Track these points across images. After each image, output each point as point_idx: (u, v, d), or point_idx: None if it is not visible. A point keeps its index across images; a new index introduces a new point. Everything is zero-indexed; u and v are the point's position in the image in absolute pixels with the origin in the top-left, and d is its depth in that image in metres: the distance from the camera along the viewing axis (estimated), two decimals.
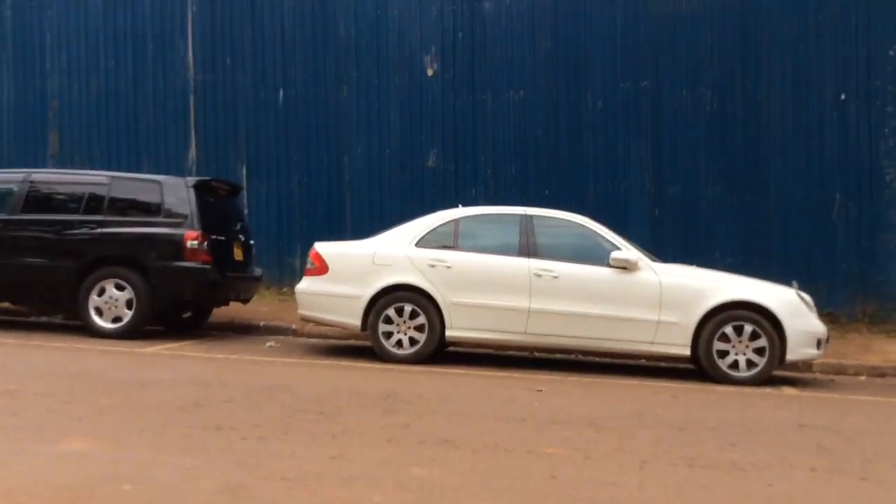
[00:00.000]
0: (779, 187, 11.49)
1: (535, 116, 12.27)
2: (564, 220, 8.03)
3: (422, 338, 7.75)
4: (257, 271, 10.02)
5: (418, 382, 6.64)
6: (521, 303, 7.63)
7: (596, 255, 7.84)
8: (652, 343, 7.50)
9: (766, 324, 7.31)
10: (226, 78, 12.87)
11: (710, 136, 11.78)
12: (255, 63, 12.82)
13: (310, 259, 8.16)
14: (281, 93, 12.79)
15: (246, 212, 12.51)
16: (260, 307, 10.98)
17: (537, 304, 7.61)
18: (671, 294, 7.47)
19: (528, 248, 7.82)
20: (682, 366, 8.21)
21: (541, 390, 6.48)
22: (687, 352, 7.45)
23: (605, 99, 12.06)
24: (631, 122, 11.99)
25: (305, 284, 8.11)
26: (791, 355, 7.32)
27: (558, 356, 8.65)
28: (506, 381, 7.03)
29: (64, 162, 13.00)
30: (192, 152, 12.99)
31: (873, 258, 11.17)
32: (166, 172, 10.30)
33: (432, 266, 7.79)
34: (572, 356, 8.55)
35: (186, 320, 9.88)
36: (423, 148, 12.52)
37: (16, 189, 8.87)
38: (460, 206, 8.49)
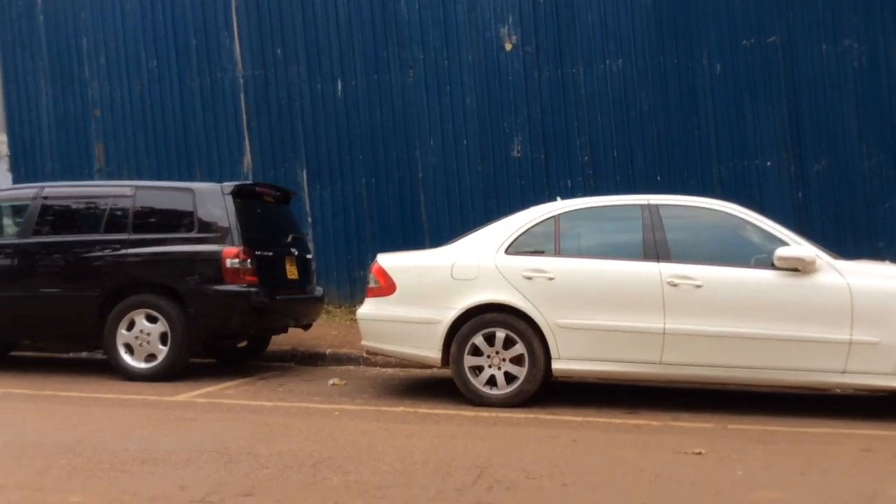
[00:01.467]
0: None
1: (638, 89, 10.28)
2: (704, 208, 6.05)
3: (521, 373, 5.91)
4: (318, 291, 8.37)
5: (521, 443, 4.80)
6: (653, 323, 5.71)
7: (752, 253, 5.86)
8: (843, 372, 5.44)
9: None
10: (278, 72, 11.34)
11: (860, 98, 9.53)
12: (308, 53, 11.25)
13: (372, 276, 6.43)
14: (339, 84, 11.18)
15: (310, 220, 10.96)
16: (328, 330, 9.37)
17: (675, 324, 5.67)
18: (867, 303, 5.40)
19: (656, 249, 5.88)
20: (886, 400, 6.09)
21: (700, 452, 4.55)
22: (895, 383, 5.36)
23: (725, 61, 9.97)
24: (759, 86, 9.85)
25: (368, 308, 6.38)
26: None
27: (696, 386, 6.66)
28: (641, 433, 5.11)
29: (112, 175, 11.75)
30: (248, 158, 11.51)
31: None
32: (220, 181, 8.80)
33: (529, 278, 5.95)
34: (715, 385, 6.53)
35: (242, 350, 8.34)
36: (506, 135, 10.68)
37: (28, 207, 7.48)
38: (559, 198, 6.61)
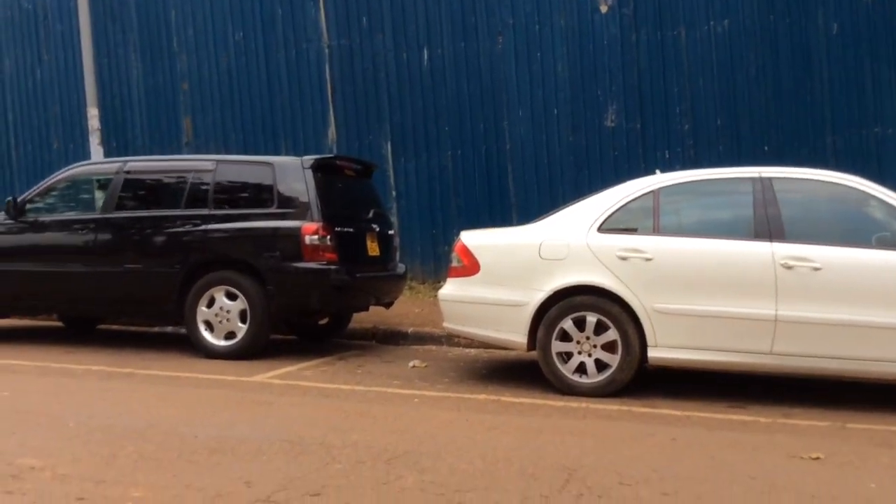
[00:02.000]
0: None
1: (745, 52, 9.50)
2: (823, 181, 5.41)
3: (614, 360, 5.47)
4: (400, 268, 8.09)
5: (614, 441, 4.37)
6: (763, 309, 5.15)
7: (877, 232, 5.22)
8: None
9: None
10: (363, 42, 11.04)
11: None
12: (394, 21, 10.89)
13: (454, 254, 6.08)
14: (426, 53, 10.80)
15: (394, 194, 10.70)
16: (411, 307, 9.12)
17: (789, 311, 5.10)
18: None
19: (768, 227, 5.29)
20: None
21: (818, 457, 4.02)
22: None
23: (843, 19, 9.08)
24: (882, 47, 8.96)
25: (450, 289, 6.04)
26: None
27: (808, 379, 6.04)
28: (749, 432, 4.61)
29: (199, 149, 11.76)
30: (332, 130, 11.31)
31: None
32: (304, 154, 8.57)
33: (624, 259, 5.47)
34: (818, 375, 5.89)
35: (323, 327, 8.17)
36: (600, 104, 10.10)
37: (111, 182, 7.44)
38: (658, 172, 6.08)
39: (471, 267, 5.89)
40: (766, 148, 9.32)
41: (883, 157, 8.90)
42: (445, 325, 6.11)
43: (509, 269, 5.77)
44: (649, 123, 9.87)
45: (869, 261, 5.03)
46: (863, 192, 5.28)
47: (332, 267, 6.80)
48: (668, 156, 9.70)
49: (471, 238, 6.06)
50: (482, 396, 5.44)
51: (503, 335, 5.76)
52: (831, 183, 5.38)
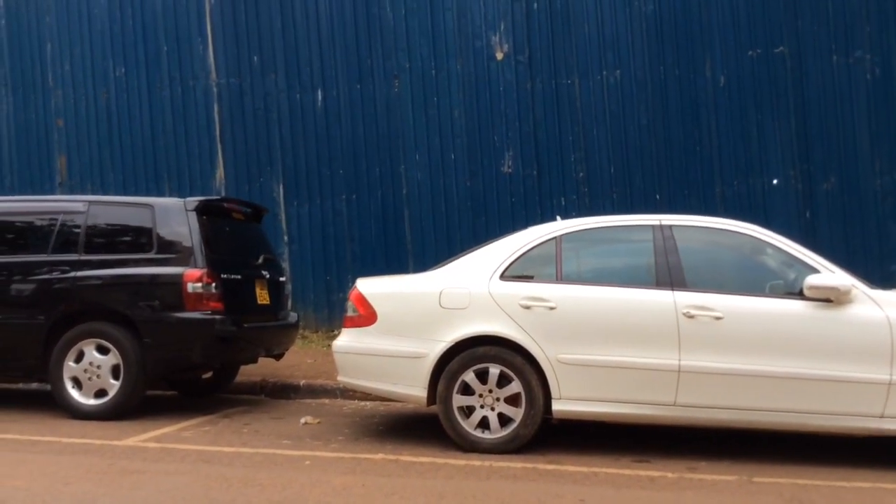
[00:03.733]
0: None
1: (637, 101, 9.69)
2: (723, 229, 5.40)
3: (517, 415, 5.22)
4: (292, 317, 7.64)
5: None
6: (667, 359, 5.04)
7: (777, 281, 5.22)
8: (881, 416, 4.79)
9: None
10: (254, 81, 10.66)
11: (873, 113, 8.98)
12: (287, 61, 10.59)
13: (350, 303, 5.73)
14: (320, 94, 10.53)
15: (286, 239, 10.26)
16: (304, 358, 8.67)
17: (692, 361, 5.01)
18: None
19: (669, 276, 5.22)
20: None
21: None
22: None
23: (730, 72, 9.40)
24: (766, 100, 9.29)
25: (345, 339, 5.67)
26: None
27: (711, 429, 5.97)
28: (657, 489, 4.43)
29: (74, 189, 11.01)
30: (220, 172, 10.81)
31: None
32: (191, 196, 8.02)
33: (527, 307, 5.27)
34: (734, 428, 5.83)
35: (207, 382, 7.59)
36: (497, 150, 10.05)
37: None
38: (559, 218, 5.95)
39: (367, 316, 5.56)
40: (657, 196, 9.48)
41: (769, 205, 9.18)
42: (340, 378, 5.73)
43: (408, 318, 5.47)
44: (545, 171, 9.89)
45: (770, 311, 5.01)
46: (763, 241, 5.28)
47: (217, 317, 6.32)
48: (563, 203, 9.72)
49: (367, 286, 5.73)
50: (379, 456, 5.07)
51: (402, 389, 5.43)
52: (732, 231, 5.37)
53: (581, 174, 9.80)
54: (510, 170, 9.99)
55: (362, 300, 5.62)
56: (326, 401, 7.18)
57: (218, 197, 7.34)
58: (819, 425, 4.94)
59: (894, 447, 5.23)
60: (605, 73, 9.76)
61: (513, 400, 5.24)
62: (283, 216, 10.43)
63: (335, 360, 5.68)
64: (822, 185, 9.08)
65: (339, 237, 10.33)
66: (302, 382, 7.45)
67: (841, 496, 4.30)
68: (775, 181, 9.15)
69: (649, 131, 9.64)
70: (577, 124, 9.82)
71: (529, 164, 9.94)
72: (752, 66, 9.29)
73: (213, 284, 6.35)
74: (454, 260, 5.77)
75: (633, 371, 5.09)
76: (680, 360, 5.03)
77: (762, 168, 9.25)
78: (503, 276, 5.45)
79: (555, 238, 5.54)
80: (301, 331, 9.84)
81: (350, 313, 5.69)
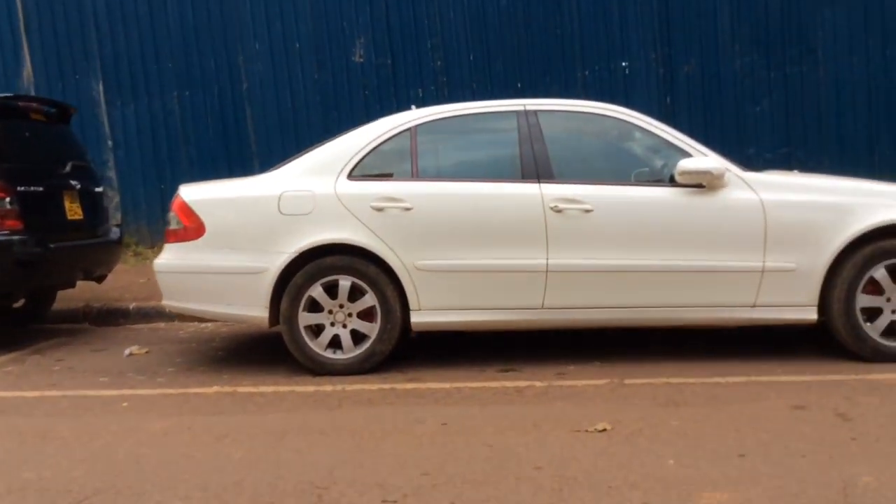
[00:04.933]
0: (829, 51, 8.54)
1: None
2: (591, 113, 4.88)
3: (373, 330, 4.66)
4: (114, 233, 6.69)
5: (377, 438, 3.56)
6: (534, 258, 4.57)
7: (648, 167, 4.81)
8: (753, 306, 4.54)
9: None
10: None
11: None
12: None
13: (172, 214, 4.90)
14: None
15: (110, 144, 9.08)
16: (136, 278, 7.76)
17: (561, 259, 4.56)
18: (783, 223, 4.48)
19: (535, 167, 4.69)
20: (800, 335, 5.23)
21: (604, 429, 3.49)
22: (812, 315, 4.51)
23: None
24: None
25: (169, 257, 4.86)
26: None
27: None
28: (525, 402, 4.02)
29: None
30: (27, 70, 9.36)
31: None
32: None
33: (380, 209, 4.64)
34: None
35: (18, 312, 6.59)
36: (347, 37, 9.15)
37: None
38: (414, 107, 5.26)
39: (194, 229, 4.76)
40: (518, 84, 8.93)
41: (630, 90, 8.83)
42: (165, 303, 4.94)
43: (242, 228, 4.72)
44: (400, 59, 9.10)
45: (642, 199, 4.60)
46: (632, 124, 4.80)
47: (16, 237, 5.36)
48: (421, 94, 9.01)
49: (192, 192, 4.90)
50: (214, 389, 4.40)
51: (239, 310, 4.72)
52: (600, 115, 4.86)
53: (439, 62, 9.08)
54: (362, 59, 9.13)
55: (186, 209, 4.80)
56: (161, 325, 6.38)
57: (9, 94, 6.16)
58: (692, 318, 4.65)
59: (766, 337, 5.05)
60: None
61: (367, 314, 4.66)
62: (104, 118, 9.19)
63: (158, 281, 4.87)
64: (682, 68, 8.79)
65: (172, 140, 9.23)
66: (132, 306, 6.58)
67: (716, 393, 4.03)
68: (624, 64, 8.77)
69: (509, 14, 8.99)
70: (432, 7, 9.02)
71: (383, 53, 9.12)
72: None
73: (8, 199, 5.36)
74: (295, 159, 5.01)
75: (499, 274, 4.60)
76: (548, 258, 4.57)
77: (623, 51, 8.84)
78: (352, 176, 4.77)
79: (409, 129, 4.88)
80: (134, 247, 8.85)
81: (173, 226, 4.87)
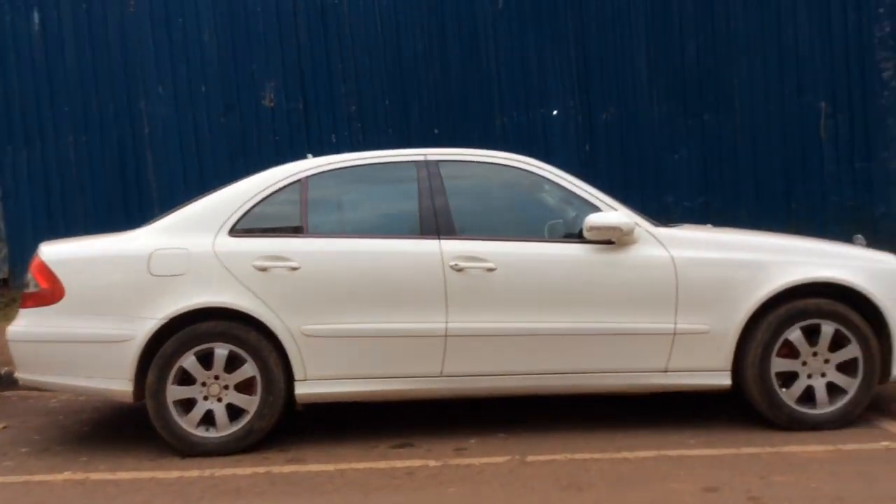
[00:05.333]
0: (746, 100, 8.48)
1: (412, 26, 8.72)
2: (495, 164, 4.57)
3: (251, 404, 4.19)
4: None
5: None
6: (432, 321, 4.20)
7: (556, 222, 4.51)
8: (665, 371, 4.23)
9: (857, 319, 4.18)
10: None
11: (651, 38, 8.59)
12: None
13: (30, 275, 4.38)
14: (36, 15, 8.65)
15: None
16: None
17: (462, 322, 4.20)
18: (694, 281, 4.21)
19: (436, 221, 4.35)
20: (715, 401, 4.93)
21: None
22: (726, 380, 4.23)
23: None
24: (546, 23, 8.64)
25: (23, 324, 4.32)
26: None
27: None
28: (416, 486, 3.60)
29: None
30: None
31: (870, 184, 8.39)
32: None
33: (263, 269, 4.22)
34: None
35: None
36: (256, 80, 8.75)
37: None
38: (310, 156, 4.87)
39: (51, 292, 4.25)
40: (436, 131, 8.63)
41: (549, 137, 8.62)
42: (18, 375, 4.38)
43: (106, 291, 4.23)
44: (313, 104, 8.73)
45: (548, 257, 4.28)
46: (539, 175, 4.51)
47: None
48: (335, 140, 8.64)
49: (52, 251, 4.40)
50: (63, 476, 3.85)
51: (99, 383, 4.19)
52: (505, 166, 4.55)
53: (353, 107, 8.74)
54: (272, 103, 8.73)
55: (44, 270, 4.29)
56: (35, 392, 5.75)
57: None
58: (601, 385, 4.32)
59: (676, 404, 4.75)
60: None
61: (246, 386, 4.20)
62: None
63: (11, 351, 4.32)
64: (601, 115, 8.63)
65: (66, 189, 8.62)
66: (2, 371, 5.95)
67: (623, 473, 3.67)
68: (555, 112, 8.60)
69: (426, 59, 8.72)
70: (346, 50, 8.70)
71: (294, 97, 8.73)
72: None
73: None
74: (172, 213, 4.56)
75: (394, 339, 4.21)
76: (447, 322, 4.20)
77: (543, 98, 8.65)
78: (234, 231, 4.35)
79: (300, 180, 4.50)
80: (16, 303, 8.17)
81: (31, 289, 4.34)
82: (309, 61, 8.72)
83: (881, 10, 8.19)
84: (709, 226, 5.09)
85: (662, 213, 8.31)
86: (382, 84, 8.73)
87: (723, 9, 8.40)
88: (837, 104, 8.35)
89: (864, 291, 4.16)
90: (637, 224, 4.29)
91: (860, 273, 4.21)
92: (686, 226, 4.83)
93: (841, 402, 4.18)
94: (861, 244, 4.84)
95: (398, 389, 4.27)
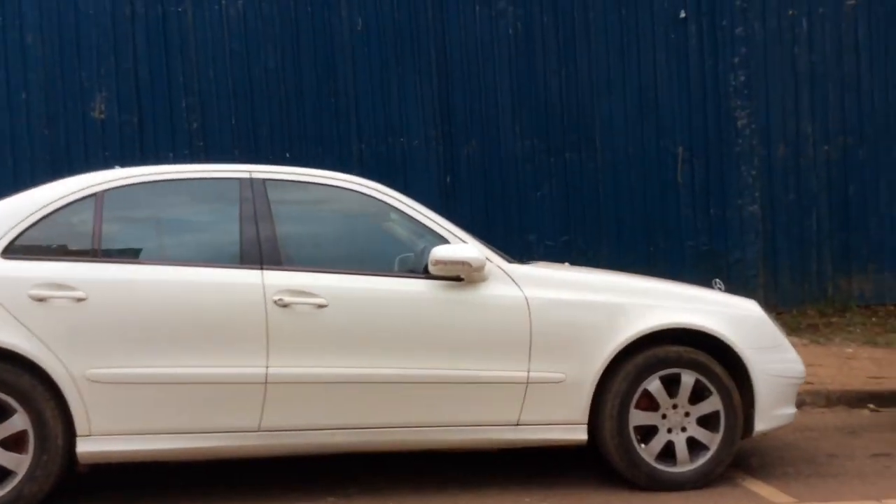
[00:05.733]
0: (607, 140, 8.38)
1: (264, 41, 8.13)
2: (332, 186, 4.01)
3: (21, 464, 3.40)
4: None
5: None
6: (250, 366, 3.56)
7: (397, 255, 3.99)
8: (517, 425, 3.76)
9: (718, 369, 3.87)
10: None
11: (515, 71, 8.36)
12: None
13: None
14: None
15: None
16: None
17: (285, 367, 3.58)
18: (549, 324, 3.78)
19: (259, 249, 3.72)
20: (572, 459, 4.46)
21: None
22: (583, 435, 3.81)
23: (368, 15, 8.19)
24: (407, 51, 8.26)
25: None
26: (762, 423, 3.93)
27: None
28: None
29: None
30: None
31: (725, 230, 8.43)
32: None
33: (41, 299, 3.47)
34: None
35: None
36: (85, 89, 7.89)
37: None
38: (118, 167, 4.15)
39: None
40: (287, 155, 7.99)
41: (409, 168, 8.18)
42: None
43: None
44: (149, 118, 7.92)
45: (388, 292, 3.75)
46: (382, 202, 3.98)
47: None
48: (173, 157, 7.82)
49: None
50: None
51: None
52: (343, 189, 4.01)
53: (195, 124, 7.99)
54: (102, 115, 7.85)
55: None
56: None
57: None
58: (446, 441, 3.81)
59: (528, 459, 4.27)
60: (224, 2, 8.01)
61: (16, 443, 3.41)
62: None
63: None
64: (463, 149, 8.29)
65: None
66: None
67: None
68: (415, 142, 8.18)
69: (278, 78, 8.12)
70: (188, 61, 7.96)
71: (128, 109, 7.89)
72: (393, 10, 8.16)
73: None
74: None
75: (203, 387, 3.55)
76: (268, 366, 3.58)
77: (403, 128, 8.21)
78: (8, 251, 3.57)
79: (94, 195, 3.78)
80: None
81: None
82: (146, 71, 7.93)
83: (736, 60, 8.32)
84: (566, 264, 4.72)
85: (525, 251, 8.01)
86: (229, 101, 8.05)
87: (585, 47, 8.30)
88: (695, 149, 8.37)
89: (726, 339, 3.86)
90: (489, 259, 3.83)
91: (722, 319, 3.92)
92: (543, 263, 4.46)
93: (702, 460, 3.84)
94: (720, 289, 4.60)
95: (206, 448, 3.58)
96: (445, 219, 4.03)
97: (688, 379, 3.84)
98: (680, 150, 8.38)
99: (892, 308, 8.36)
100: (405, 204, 3.95)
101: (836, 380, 6.15)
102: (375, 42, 8.16)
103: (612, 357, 3.78)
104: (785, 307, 8.18)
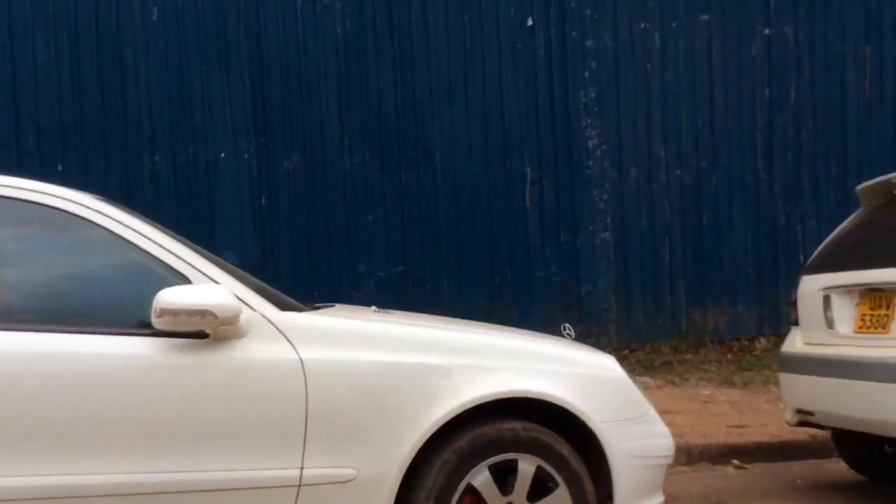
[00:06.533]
0: (448, 158, 7.46)
1: (32, 28, 6.65)
2: (17, 199, 2.71)
3: None
4: None
5: None
6: None
7: (121, 300, 2.74)
8: None
9: (566, 452, 2.86)
10: None
11: (343, 78, 7.29)
12: None
13: None
14: None
15: None
16: None
17: None
18: (334, 398, 2.65)
19: None
20: None
21: None
22: None
23: (165, 2, 6.88)
24: (213, 47, 7.01)
25: None
26: None
27: None
28: None
29: None
30: None
31: (576, 259, 7.67)
32: None
33: None
34: None
35: None
36: None
37: None
38: None
39: None
40: (60, 167, 6.54)
41: (215, 185, 6.93)
42: None
43: None
44: None
45: (84, 359, 2.51)
46: (97, 224, 2.71)
47: None
48: None
49: None
50: None
51: None
52: (36, 203, 2.72)
53: None
54: None
55: None
56: None
57: None
58: None
59: None
60: None
61: None
62: None
63: None
64: (282, 163, 7.10)
65: None
66: None
67: None
68: (223, 154, 6.92)
69: (49, 75, 6.68)
70: None
71: None
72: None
73: None
74: None
75: None
76: None
77: (208, 136, 6.94)
78: None
79: None
80: None
81: None
82: None
83: (587, 75, 7.62)
84: (373, 308, 3.57)
85: (354, 284, 6.97)
86: None
87: (423, 52, 7.36)
88: (543, 171, 7.60)
89: (577, 412, 2.86)
90: (248, 306, 2.66)
91: (573, 384, 2.92)
92: (338, 308, 3.33)
93: None
94: (569, 335, 3.66)
95: None
96: (196, 246, 2.83)
97: (526, 467, 2.80)
98: (528, 171, 7.57)
99: (747, 343, 7.92)
100: (123, 224, 2.70)
101: (696, 430, 5.62)
102: (173, 35, 6.90)
103: (424, 441, 2.69)
104: (638, 343, 7.54)
